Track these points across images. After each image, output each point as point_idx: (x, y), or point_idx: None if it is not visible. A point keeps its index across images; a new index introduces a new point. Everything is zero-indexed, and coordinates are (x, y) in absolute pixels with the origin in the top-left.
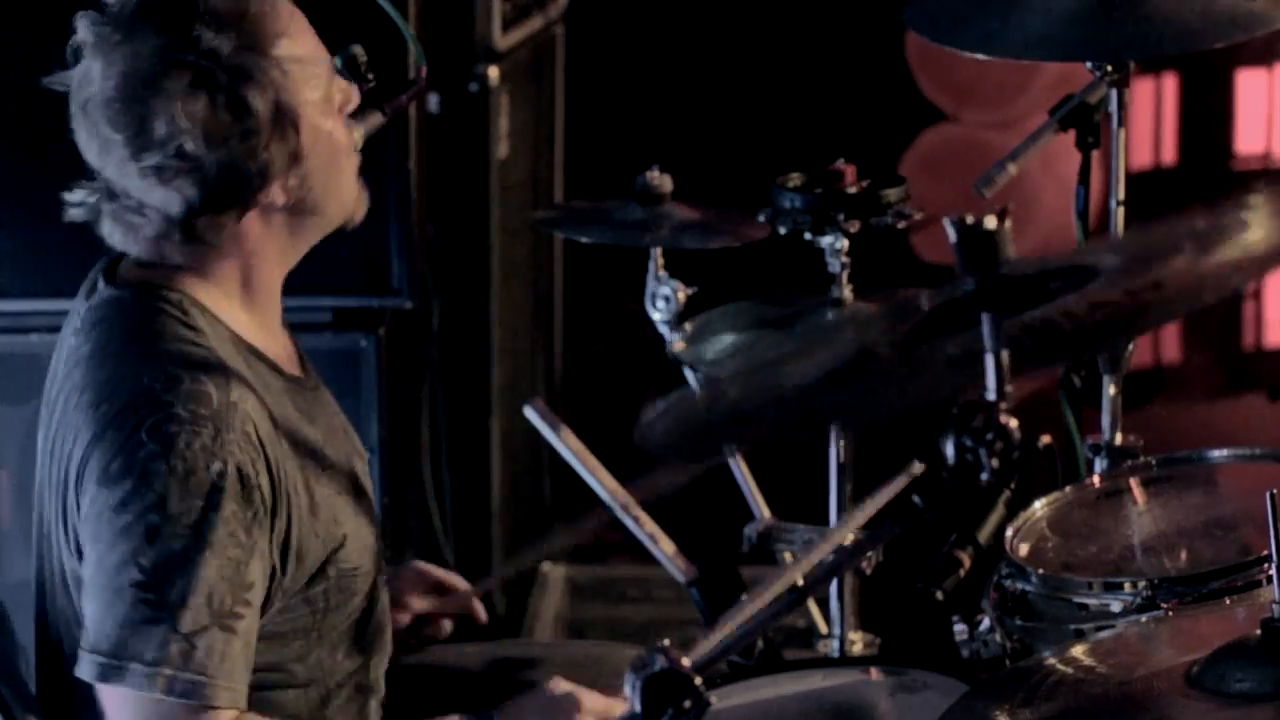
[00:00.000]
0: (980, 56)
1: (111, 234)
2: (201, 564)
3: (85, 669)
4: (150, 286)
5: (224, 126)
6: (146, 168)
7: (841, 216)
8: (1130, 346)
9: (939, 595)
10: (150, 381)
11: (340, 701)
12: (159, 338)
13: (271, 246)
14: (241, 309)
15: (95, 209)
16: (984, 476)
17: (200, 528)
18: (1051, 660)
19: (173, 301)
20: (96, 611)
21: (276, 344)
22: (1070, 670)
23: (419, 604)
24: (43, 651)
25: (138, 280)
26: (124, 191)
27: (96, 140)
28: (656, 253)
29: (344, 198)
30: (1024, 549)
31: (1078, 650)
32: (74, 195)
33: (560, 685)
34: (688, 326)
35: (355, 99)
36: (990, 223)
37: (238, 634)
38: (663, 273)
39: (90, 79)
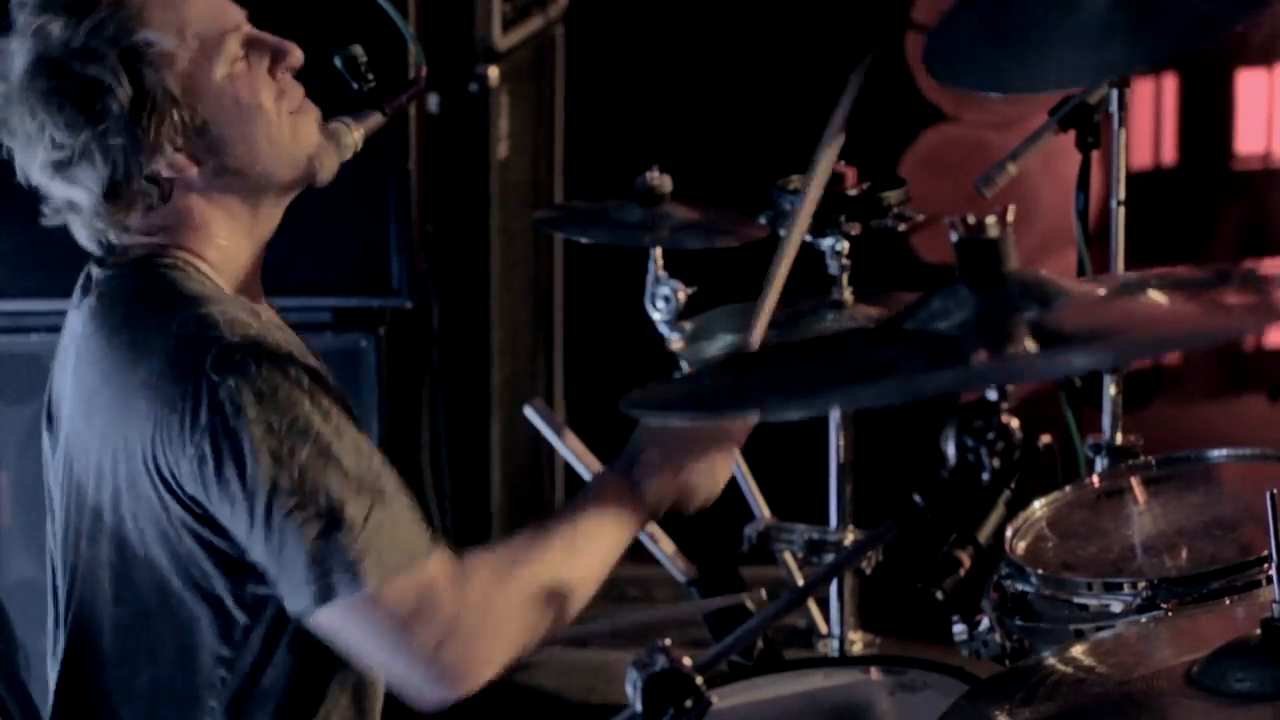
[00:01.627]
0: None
1: (78, 235)
2: (333, 459)
3: (298, 603)
4: (146, 257)
5: (81, 113)
6: (45, 166)
7: (842, 219)
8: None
9: (939, 595)
10: (182, 329)
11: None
12: (172, 289)
13: (225, 216)
14: (229, 285)
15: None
16: (985, 476)
17: (312, 428)
18: (1051, 660)
19: (170, 263)
20: (274, 554)
21: (272, 314)
22: (1070, 670)
23: None
24: (70, 647)
25: (130, 258)
26: (48, 195)
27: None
28: (656, 253)
29: (280, 153)
30: (1024, 549)
31: (1078, 650)
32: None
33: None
34: (687, 326)
35: (287, 54)
36: (993, 231)
37: (394, 499)
38: (663, 273)
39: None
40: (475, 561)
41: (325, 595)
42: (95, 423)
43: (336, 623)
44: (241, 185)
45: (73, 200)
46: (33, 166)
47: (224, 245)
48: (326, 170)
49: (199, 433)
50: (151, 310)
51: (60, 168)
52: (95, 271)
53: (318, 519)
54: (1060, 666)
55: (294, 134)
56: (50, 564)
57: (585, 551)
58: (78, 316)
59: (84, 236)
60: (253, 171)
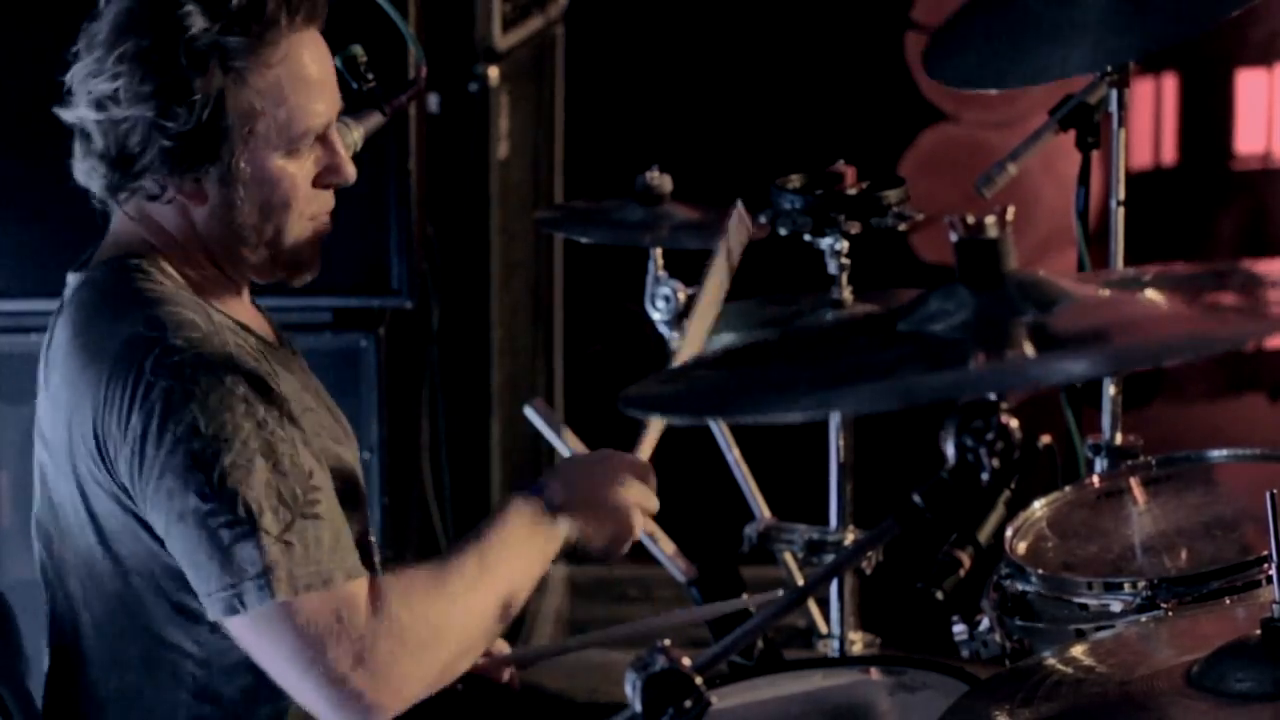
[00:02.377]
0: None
1: (76, 167)
2: (256, 468)
3: (214, 611)
4: (116, 259)
5: (154, 97)
6: (91, 94)
7: (841, 218)
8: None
9: (939, 595)
10: (132, 328)
11: None
12: (131, 293)
13: (210, 250)
14: (205, 284)
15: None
16: (984, 476)
17: (239, 435)
18: (1051, 660)
19: (137, 266)
20: (189, 557)
21: (248, 315)
22: (1070, 670)
23: None
24: (56, 642)
25: (104, 259)
26: (76, 104)
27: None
28: (656, 253)
29: (280, 246)
30: (1023, 549)
31: (1078, 650)
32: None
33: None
34: (686, 324)
35: (342, 178)
36: (992, 231)
37: (323, 518)
38: (663, 273)
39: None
40: (391, 585)
41: (235, 604)
42: (61, 425)
43: (247, 633)
44: (231, 240)
45: (91, 134)
46: (85, 82)
47: (200, 266)
48: (301, 281)
49: (130, 431)
50: (107, 312)
51: (103, 108)
52: (70, 277)
53: (232, 525)
54: (1060, 666)
55: (298, 238)
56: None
57: (500, 576)
58: (55, 323)
59: (80, 175)
60: (246, 240)
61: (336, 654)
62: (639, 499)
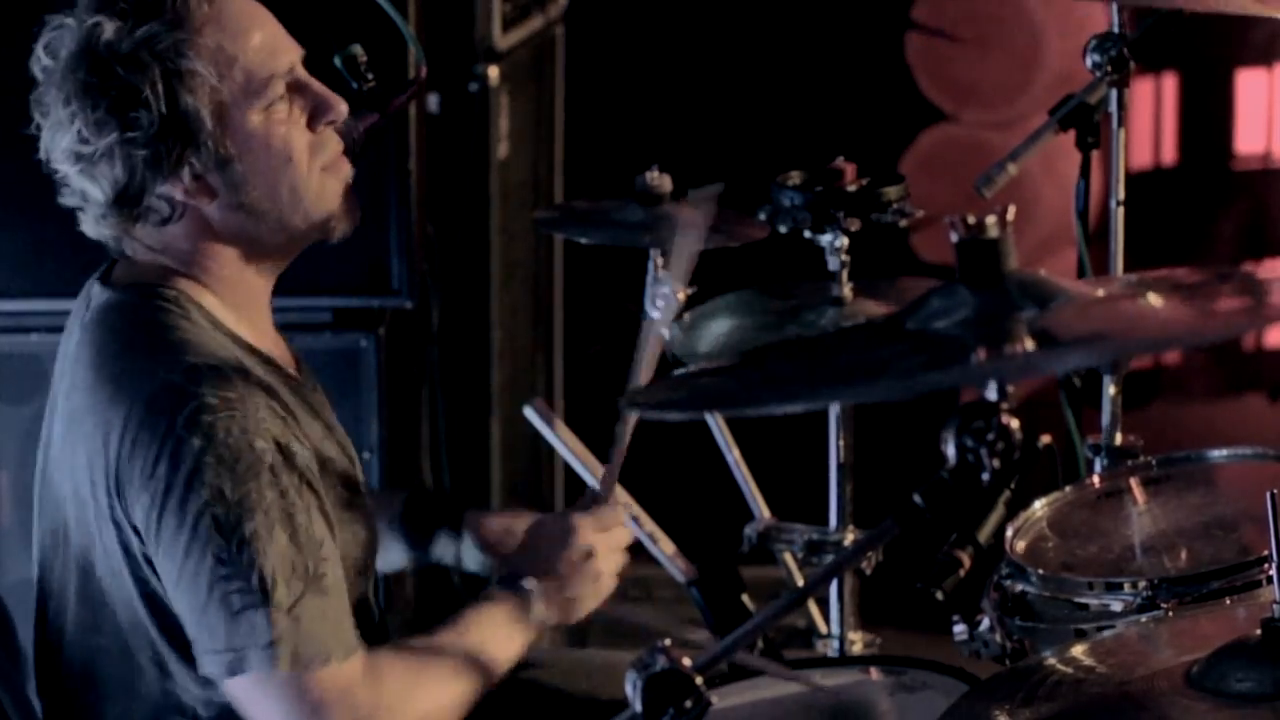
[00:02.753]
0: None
1: (86, 227)
2: (274, 539)
3: (210, 667)
4: (147, 286)
5: (112, 116)
6: (67, 153)
7: (841, 214)
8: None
9: (939, 595)
10: (168, 374)
11: None
12: (166, 331)
13: (235, 250)
14: (232, 311)
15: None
16: (985, 476)
17: (261, 506)
18: (1051, 660)
19: (170, 299)
20: (195, 613)
21: (272, 345)
22: (1070, 670)
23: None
24: (41, 654)
25: (133, 282)
26: (65, 179)
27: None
28: (656, 253)
29: (299, 205)
30: (1024, 549)
31: (1078, 650)
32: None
33: (545, 527)
34: (685, 317)
35: (331, 109)
36: (993, 231)
37: (329, 592)
38: (663, 273)
39: (41, 69)
40: (386, 662)
41: (236, 667)
42: (74, 447)
43: (244, 694)
44: (254, 225)
45: (86, 193)
46: (56, 149)
47: (230, 278)
48: (340, 232)
49: (155, 481)
50: (142, 349)
51: (80, 159)
52: (96, 289)
53: (244, 593)
54: (1060, 666)
55: (320, 190)
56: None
57: (481, 667)
58: (75, 334)
59: (91, 230)
60: (268, 216)
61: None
62: (608, 561)
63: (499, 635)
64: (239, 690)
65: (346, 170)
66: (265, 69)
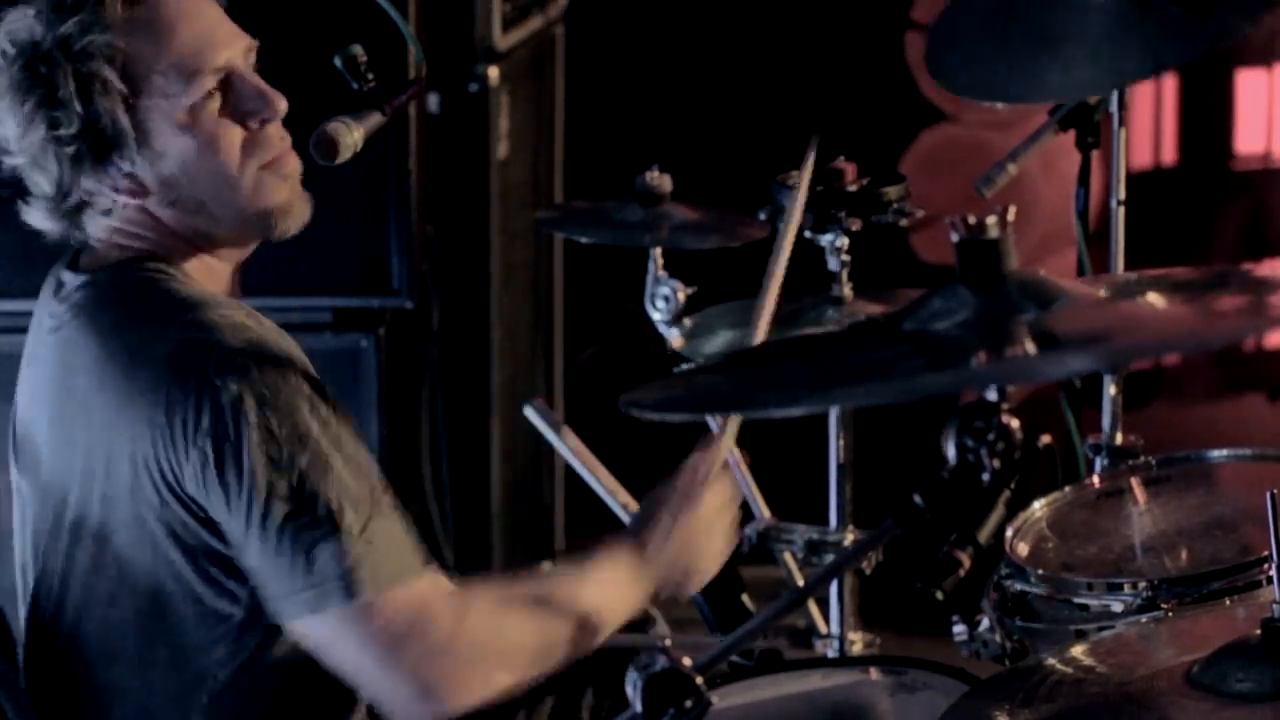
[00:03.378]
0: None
1: (34, 219)
2: (332, 467)
3: (291, 611)
4: (124, 263)
5: (37, 113)
6: (11, 143)
7: (842, 214)
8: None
9: (939, 595)
10: (181, 333)
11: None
12: (164, 295)
13: (186, 239)
14: (210, 284)
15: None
16: (985, 477)
17: (311, 435)
18: (1051, 660)
19: (154, 269)
20: (269, 560)
21: None
22: (1070, 670)
23: None
24: (35, 641)
25: (108, 263)
26: (16, 170)
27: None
28: (656, 253)
29: (232, 204)
30: (1024, 549)
31: (1078, 650)
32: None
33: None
34: (687, 322)
35: (265, 106)
36: (993, 231)
37: (392, 512)
38: (663, 273)
39: None
40: (477, 591)
41: (318, 604)
42: (88, 429)
43: (327, 633)
44: (193, 220)
45: (33, 184)
46: (5, 140)
47: (191, 262)
48: (286, 229)
49: (201, 435)
50: (147, 314)
51: (21, 152)
52: (68, 276)
53: (314, 526)
54: (1060, 667)
55: (254, 187)
56: (20, 582)
57: (587, 605)
58: (47, 321)
59: (38, 222)
60: (202, 212)
61: (414, 652)
62: (727, 542)
63: (612, 587)
64: (321, 629)
65: (290, 167)
66: (190, 65)
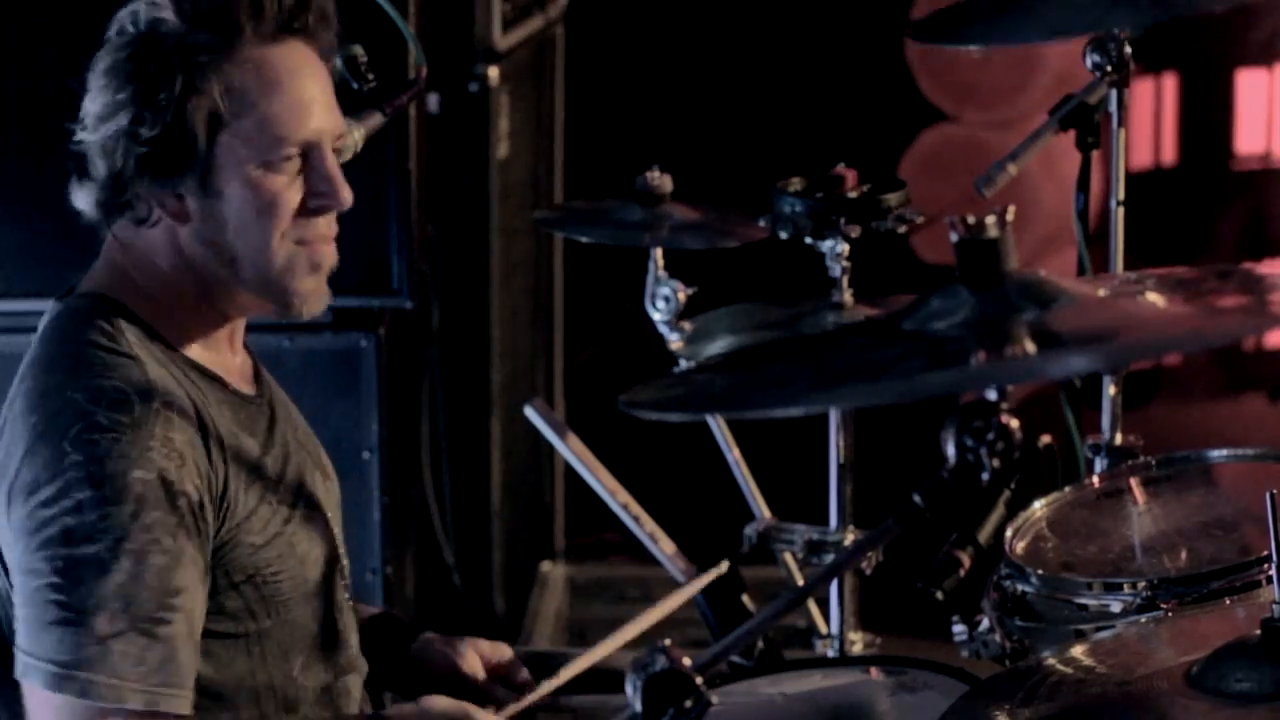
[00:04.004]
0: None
1: (77, 197)
2: (116, 569)
3: (16, 667)
4: (88, 297)
5: (129, 103)
6: (90, 117)
7: (842, 221)
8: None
9: (939, 595)
10: (74, 393)
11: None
12: (86, 346)
13: (196, 282)
14: (185, 327)
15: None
16: (985, 476)
17: (117, 533)
18: (1051, 660)
19: (103, 312)
20: (19, 609)
21: (226, 362)
22: (1070, 670)
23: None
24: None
25: (85, 293)
26: (82, 144)
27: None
28: (656, 253)
29: (262, 269)
30: (1024, 549)
31: (1078, 650)
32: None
33: (439, 702)
34: (687, 326)
35: (331, 197)
36: (993, 231)
37: (159, 639)
38: (663, 273)
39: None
40: None
41: (29, 673)
42: (3, 451)
43: (29, 702)
44: (216, 267)
45: (91, 162)
46: (86, 113)
47: (185, 303)
48: (299, 313)
49: (33, 490)
50: (62, 369)
51: (91, 127)
52: (52, 304)
53: (64, 608)
54: (1060, 667)
55: (287, 262)
56: None
57: None
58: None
59: (80, 202)
60: (230, 263)
61: None
62: None
63: None
64: (28, 695)
65: (326, 259)
66: (282, 128)
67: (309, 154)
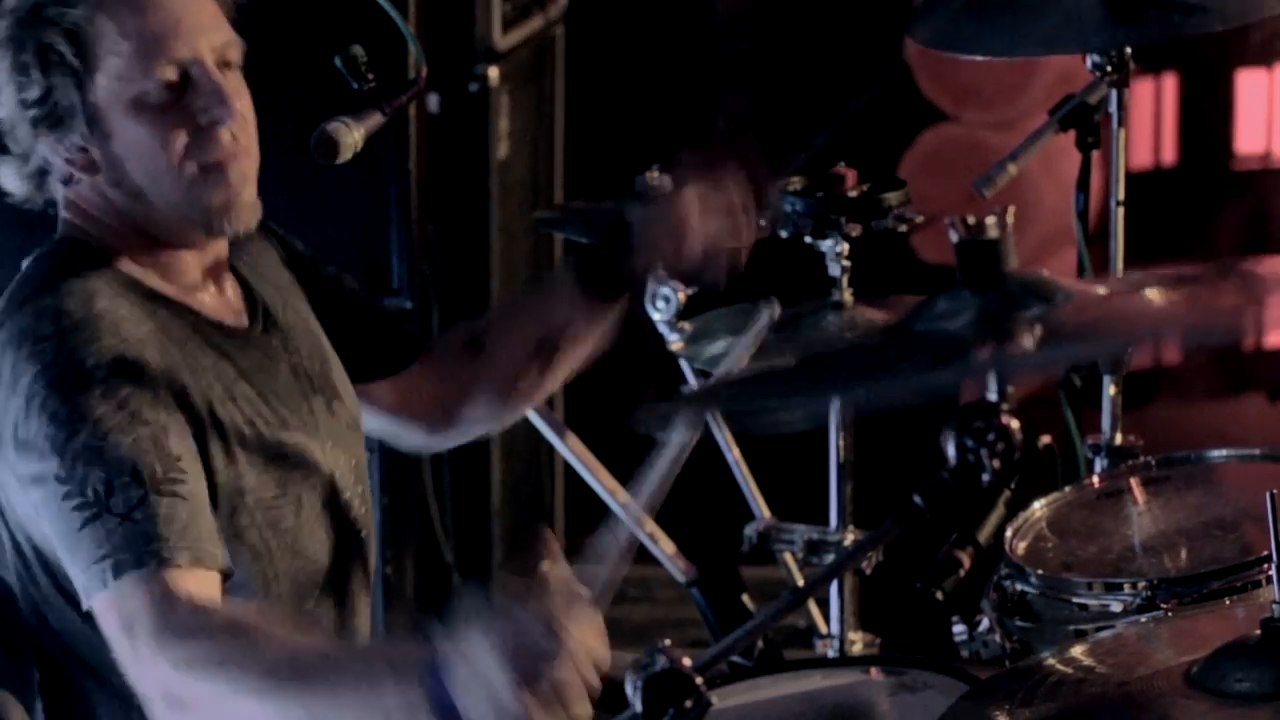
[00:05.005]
0: (980, 58)
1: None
2: (110, 448)
3: (83, 602)
4: (60, 241)
5: (12, 74)
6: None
7: (842, 220)
8: (1130, 348)
9: (939, 595)
10: (24, 319)
11: (311, 605)
12: (47, 282)
13: (135, 224)
14: (153, 269)
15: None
16: (985, 477)
17: (94, 416)
18: (1051, 660)
19: (75, 251)
20: (58, 544)
21: (205, 298)
22: (1070, 670)
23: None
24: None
25: (54, 239)
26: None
27: None
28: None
29: (171, 201)
30: (1024, 549)
31: (1078, 650)
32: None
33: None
34: (686, 326)
35: (217, 108)
36: (993, 232)
37: (182, 497)
38: (663, 273)
39: None
40: (235, 612)
41: (89, 592)
42: None
43: (102, 621)
44: (135, 206)
45: (12, 142)
46: None
47: (143, 246)
48: (225, 230)
49: (7, 424)
50: (22, 295)
51: (2, 109)
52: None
53: (82, 509)
54: (1060, 667)
55: (189, 187)
56: None
57: (328, 692)
58: None
59: (8, 184)
60: (143, 198)
61: (144, 638)
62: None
63: (365, 685)
64: (100, 616)
65: (238, 171)
66: (149, 52)
67: (188, 71)
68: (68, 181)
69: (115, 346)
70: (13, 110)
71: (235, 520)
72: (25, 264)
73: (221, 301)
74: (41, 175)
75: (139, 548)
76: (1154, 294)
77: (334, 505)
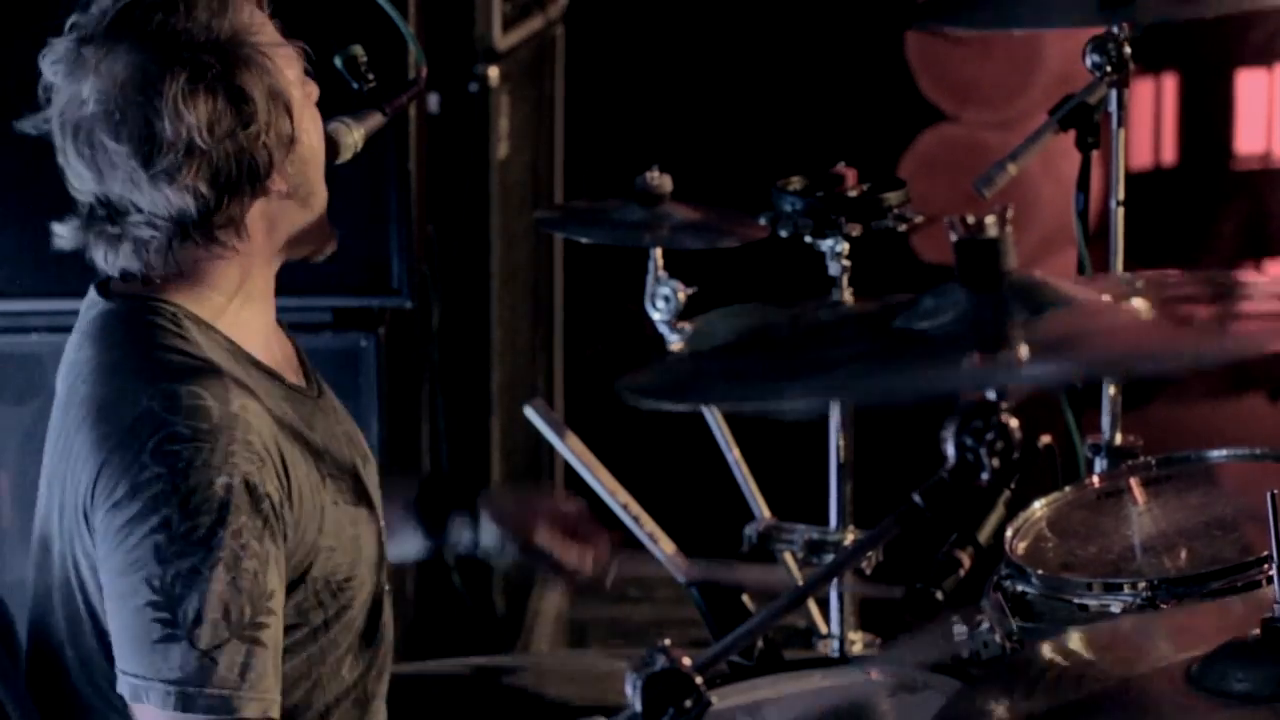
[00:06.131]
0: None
1: (108, 256)
2: (213, 579)
3: (122, 687)
4: (141, 299)
5: (227, 116)
6: (158, 173)
7: (842, 220)
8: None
9: (939, 595)
10: (149, 401)
11: (339, 716)
12: (154, 350)
13: (269, 241)
14: (236, 316)
15: (86, 236)
16: (984, 476)
17: (209, 543)
18: (1051, 654)
19: (165, 314)
20: (119, 633)
21: (276, 351)
22: (1069, 664)
23: (545, 537)
24: (34, 658)
25: (129, 293)
26: (131, 206)
27: (97, 160)
28: (656, 253)
29: (323, 192)
30: (1024, 549)
31: (1076, 642)
32: (63, 227)
33: None
34: (686, 326)
35: (316, 93)
36: (992, 231)
37: (263, 644)
38: (663, 273)
39: (79, 100)
40: None
41: (140, 695)
42: (66, 460)
43: (140, 718)
44: (295, 213)
45: (161, 212)
46: (125, 170)
47: (235, 283)
48: (327, 244)
49: (115, 506)
50: (131, 371)
51: (174, 174)
52: (92, 297)
53: (166, 625)
54: (1060, 660)
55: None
56: None
57: None
58: (75, 342)
59: (122, 256)
60: (311, 202)
61: None
62: None
63: None
64: (141, 715)
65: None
66: (296, 55)
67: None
68: (209, 240)
69: (244, 470)
70: (227, 145)
71: (328, 582)
72: (106, 310)
73: (288, 362)
74: (210, 231)
75: (212, 689)
76: (1141, 305)
77: (382, 559)
